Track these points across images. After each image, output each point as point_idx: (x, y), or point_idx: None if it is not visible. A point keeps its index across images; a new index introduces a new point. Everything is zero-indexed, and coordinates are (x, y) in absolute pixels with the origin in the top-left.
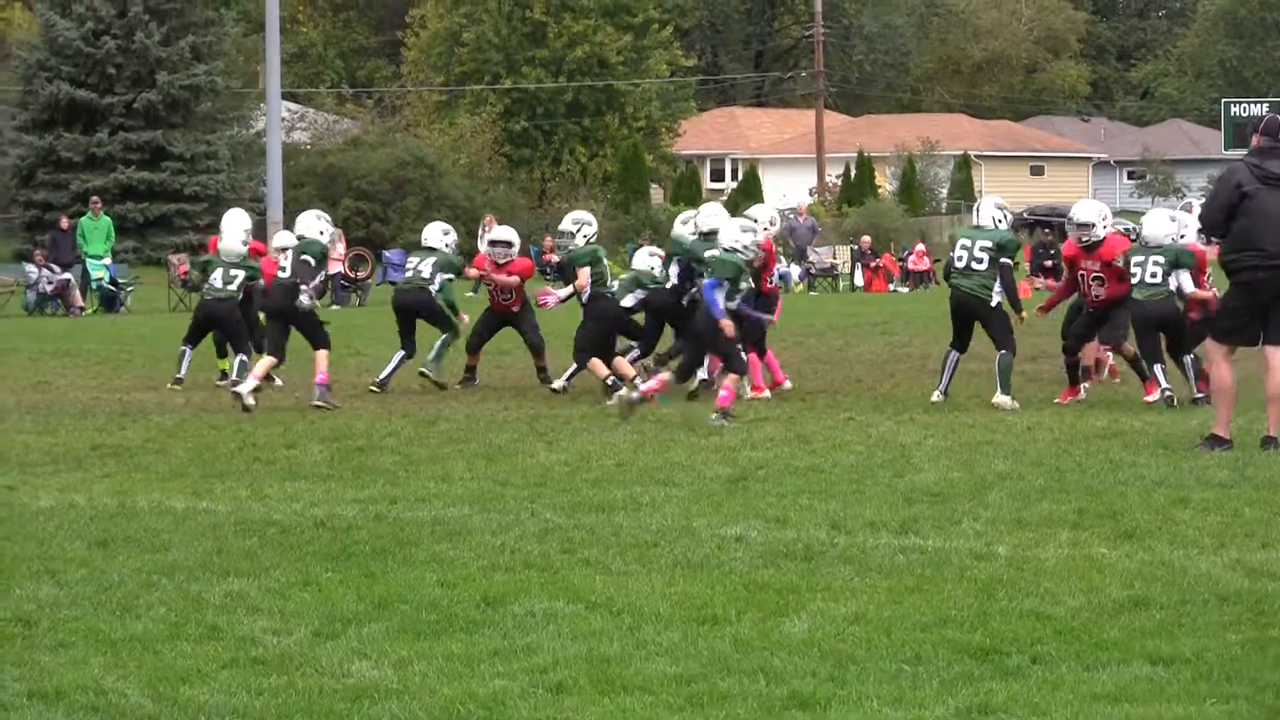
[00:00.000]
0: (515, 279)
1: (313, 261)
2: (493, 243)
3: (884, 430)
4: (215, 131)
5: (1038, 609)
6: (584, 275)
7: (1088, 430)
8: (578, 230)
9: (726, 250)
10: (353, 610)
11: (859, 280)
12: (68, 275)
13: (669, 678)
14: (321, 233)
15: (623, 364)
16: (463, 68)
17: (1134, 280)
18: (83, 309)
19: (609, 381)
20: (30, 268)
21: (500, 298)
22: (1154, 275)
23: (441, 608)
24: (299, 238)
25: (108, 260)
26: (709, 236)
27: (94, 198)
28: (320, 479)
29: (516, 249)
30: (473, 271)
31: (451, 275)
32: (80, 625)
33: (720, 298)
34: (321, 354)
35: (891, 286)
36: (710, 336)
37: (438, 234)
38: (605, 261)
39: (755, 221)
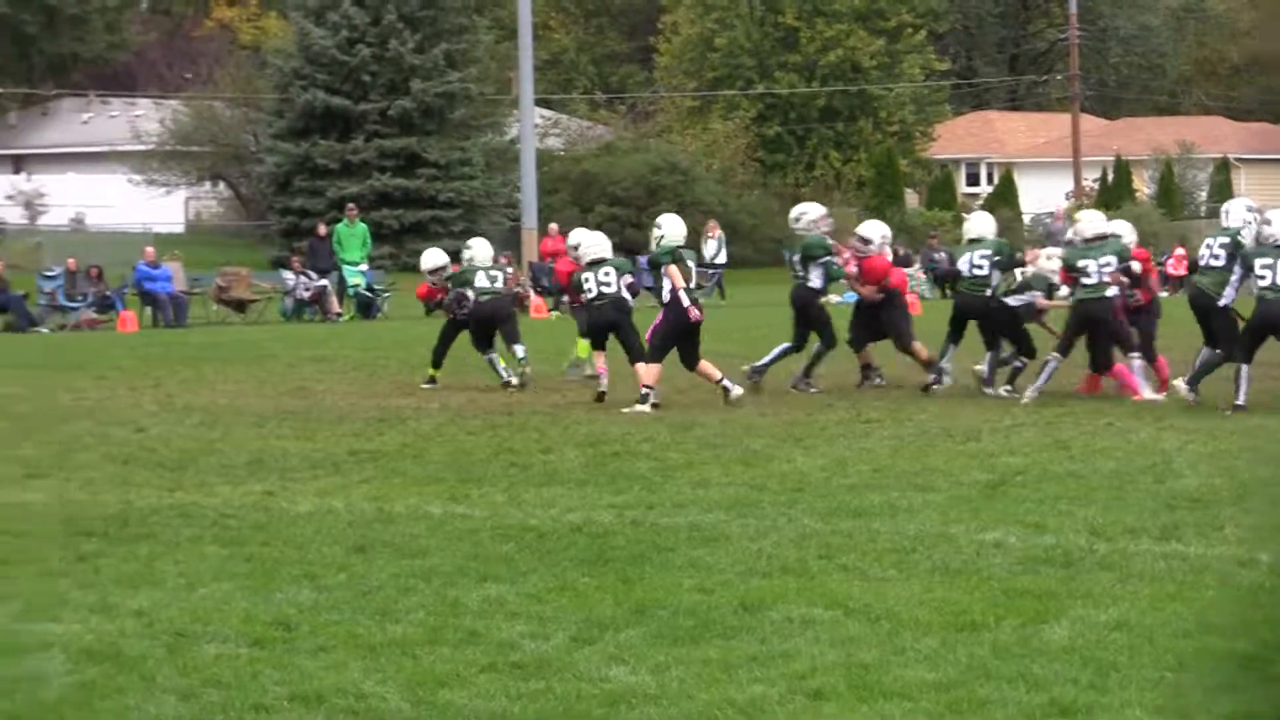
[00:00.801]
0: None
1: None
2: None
3: (1144, 436)
4: (469, 138)
5: None
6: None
7: None
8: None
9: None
10: (610, 615)
11: None
12: (324, 282)
13: (927, 684)
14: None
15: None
16: (715, 73)
17: None
18: (339, 315)
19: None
20: (287, 274)
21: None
22: None
23: (699, 613)
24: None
25: (364, 266)
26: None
27: (350, 204)
28: (576, 484)
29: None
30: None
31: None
32: (340, 629)
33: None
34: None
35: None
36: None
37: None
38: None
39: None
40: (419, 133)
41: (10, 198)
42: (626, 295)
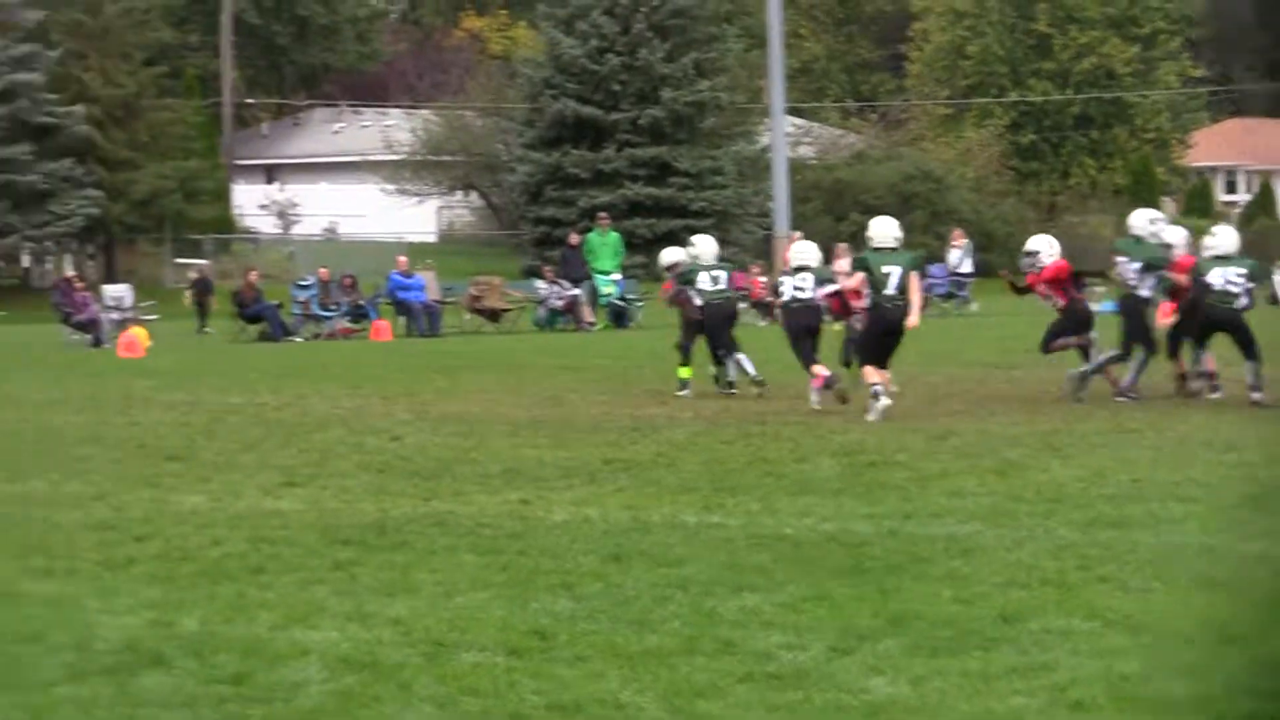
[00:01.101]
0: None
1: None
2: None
3: None
4: (720, 147)
5: None
6: None
7: None
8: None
9: None
10: (868, 626)
11: None
12: (577, 291)
13: (1191, 698)
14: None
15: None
16: (967, 80)
17: None
18: (592, 324)
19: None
20: (540, 284)
21: None
22: None
23: (957, 624)
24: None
25: (617, 276)
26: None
27: (601, 213)
28: (831, 494)
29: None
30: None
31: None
32: (597, 638)
33: None
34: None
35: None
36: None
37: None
38: None
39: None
40: (670, 142)
41: (264, 208)
42: (821, 303)
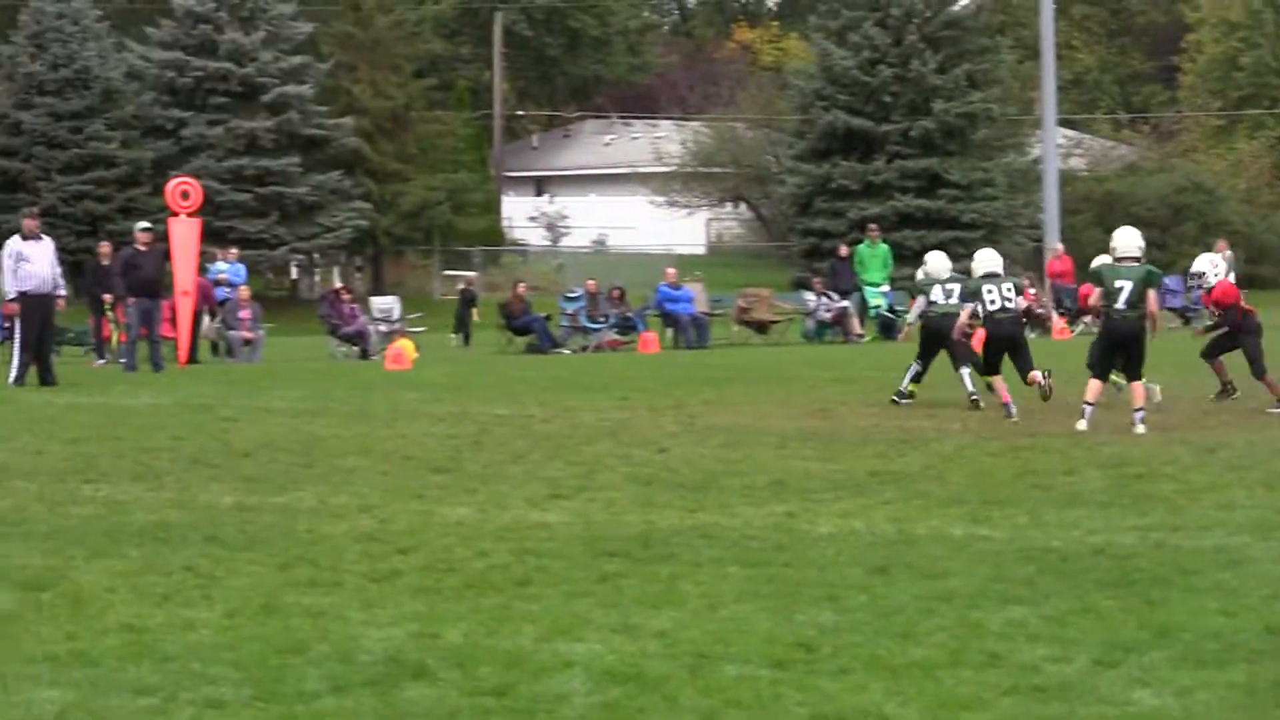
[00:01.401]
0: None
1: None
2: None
3: None
4: (991, 159)
5: None
6: None
7: None
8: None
9: None
10: (1133, 638)
11: None
12: (846, 303)
13: None
14: None
15: None
16: (1240, 92)
17: None
18: (861, 336)
19: None
20: (809, 295)
21: None
22: None
23: (1224, 636)
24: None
25: (886, 288)
26: None
27: (871, 225)
28: (1099, 506)
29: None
30: None
31: None
32: (861, 651)
33: None
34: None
35: None
36: None
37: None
38: None
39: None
40: (940, 153)
41: (532, 219)
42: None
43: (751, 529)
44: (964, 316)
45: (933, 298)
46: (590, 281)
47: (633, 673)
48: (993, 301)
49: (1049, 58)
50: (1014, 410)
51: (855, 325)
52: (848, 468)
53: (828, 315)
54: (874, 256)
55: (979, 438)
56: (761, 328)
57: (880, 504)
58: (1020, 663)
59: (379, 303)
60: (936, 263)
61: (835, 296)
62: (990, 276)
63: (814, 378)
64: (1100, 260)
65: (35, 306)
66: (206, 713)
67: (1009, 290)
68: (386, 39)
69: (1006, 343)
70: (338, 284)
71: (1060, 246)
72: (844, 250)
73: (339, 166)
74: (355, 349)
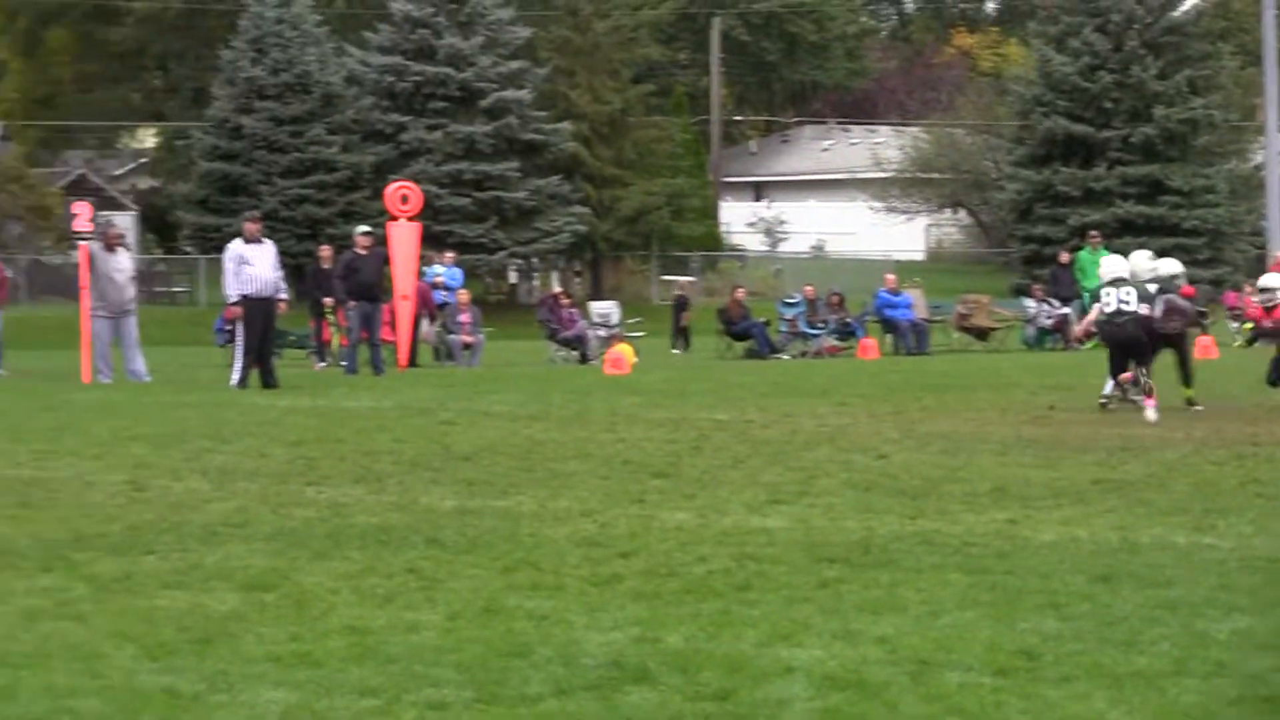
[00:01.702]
0: None
1: None
2: None
3: None
4: (1212, 165)
5: None
6: None
7: None
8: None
9: None
10: None
11: None
12: (1067, 310)
13: None
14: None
15: None
16: None
17: None
18: (1082, 343)
19: None
20: (1029, 302)
21: None
22: None
23: None
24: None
25: None
26: None
27: (1092, 232)
28: None
29: None
30: None
31: None
32: (1084, 659)
33: None
34: None
35: None
36: None
37: None
38: None
39: None
40: (1162, 159)
41: (751, 225)
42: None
43: (972, 536)
44: (1083, 323)
45: (1104, 304)
46: (809, 287)
47: (854, 679)
48: (1108, 305)
49: (1271, 63)
50: (1132, 395)
51: (1077, 332)
52: (1069, 475)
53: (1048, 322)
54: (1095, 263)
55: (1202, 445)
56: (981, 334)
57: (1103, 512)
58: (1247, 673)
59: (598, 307)
60: (1110, 266)
61: (1056, 303)
62: (1116, 282)
63: (1035, 384)
64: None
65: (257, 309)
66: (429, 714)
67: (1127, 295)
68: (604, 44)
69: (1126, 346)
70: (556, 288)
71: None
72: (1065, 257)
73: (557, 171)
74: (574, 353)
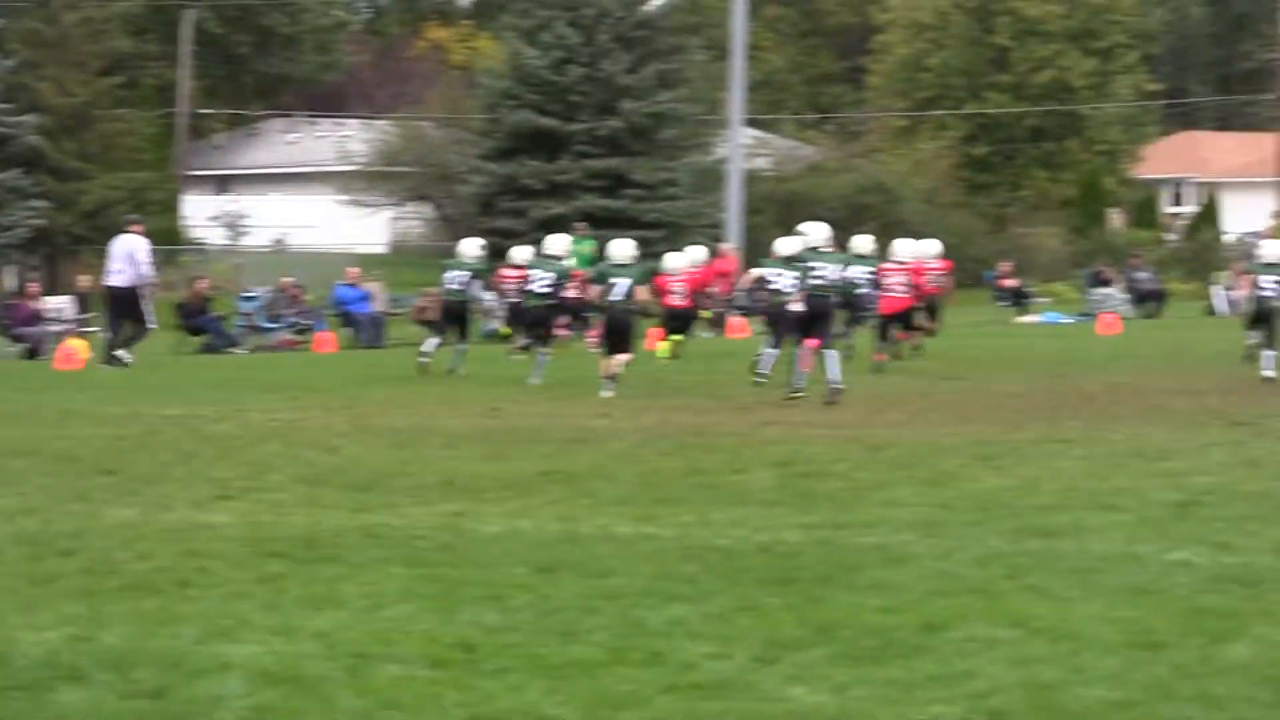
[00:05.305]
0: None
1: None
2: None
3: None
4: (676, 159)
5: None
6: None
7: None
8: None
9: None
10: (793, 636)
11: None
12: None
13: (1107, 703)
14: None
15: None
16: (925, 93)
17: None
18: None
19: None
20: (489, 295)
21: None
22: None
23: (882, 633)
24: None
25: None
26: None
27: (578, 222)
28: (766, 504)
29: None
30: None
31: None
32: (521, 650)
33: None
34: None
35: None
36: None
37: None
38: None
39: None
40: (627, 153)
41: (214, 219)
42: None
43: (418, 529)
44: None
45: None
46: (286, 279)
47: (290, 674)
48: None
49: (739, 58)
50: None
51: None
52: (517, 467)
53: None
54: (578, 253)
55: (650, 436)
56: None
57: (548, 503)
58: (680, 660)
59: (52, 302)
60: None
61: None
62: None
63: (488, 377)
64: None
65: None
66: None
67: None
68: (74, 36)
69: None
70: (9, 282)
71: (728, 246)
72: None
73: (19, 164)
74: (24, 347)
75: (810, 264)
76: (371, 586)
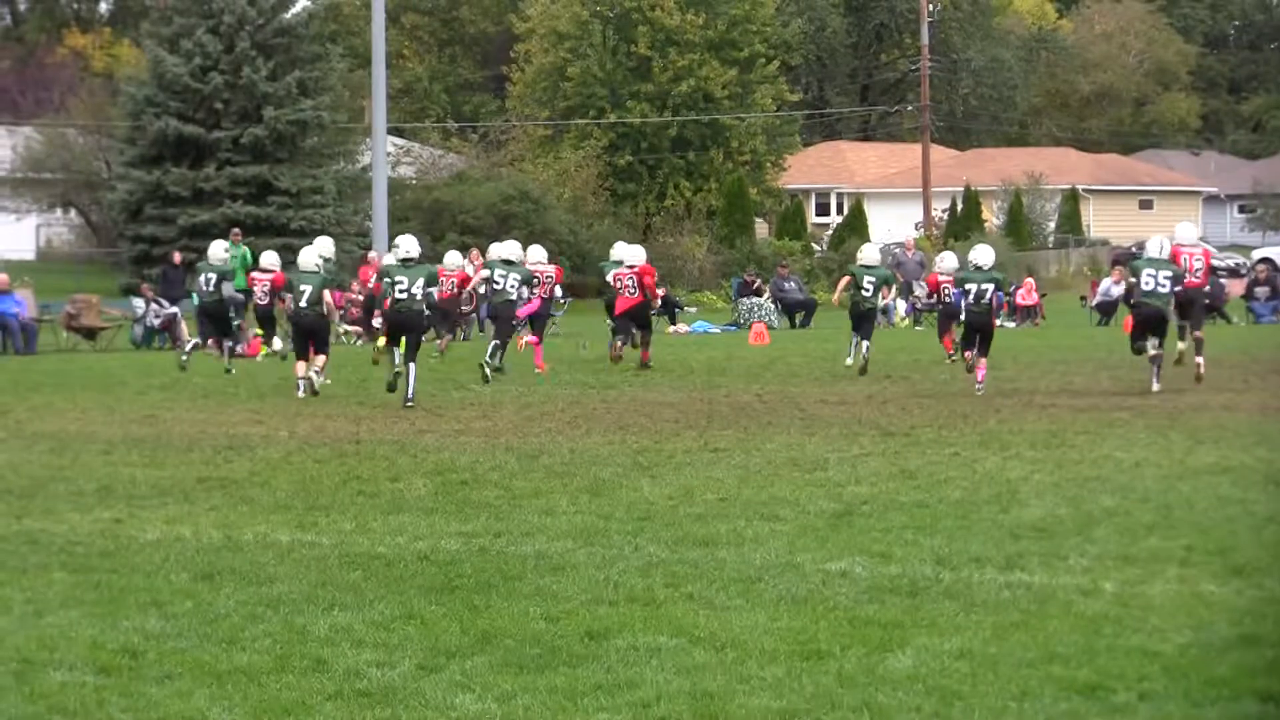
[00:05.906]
0: None
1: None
2: None
3: (989, 466)
4: (321, 166)
5: (1145, 645)
6: None
7: (1196, 466)
8: None
9: None
10: (456, 644)
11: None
12: (175, 309)
13: (772, 712)
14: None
15: None
16: (568, 102)
17: None
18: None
19: None
20: (138, 302)
21: None
22: None
23: (545, 641)
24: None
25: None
26: None
27: (235, 229)
28: (424, 512)
29: None
30: None
31: None
32: (186, 657)
33: None
34: None
35: (998, 322)
36: None
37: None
38: None
39: None
40: (271, 160)
41: None
42: None
43: (78, 535)
44: None
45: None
46: None
47: None
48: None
49: (380, 66)
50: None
51: (184, 332)
52: (175, 474)
53: (156, 321)
54: (235, 259)
55: (306, 444)
56: (90, 334)
57: (207, 510)
58: (345, 668)
59: None
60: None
61: (165, 303)
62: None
63: (142, 384)
64: None
65: None
66: None
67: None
68: None
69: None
70: None
71: (376, 254)
72: (178, 257)
73: None
74: None
75: (396, 278)
76: (34, 592)
